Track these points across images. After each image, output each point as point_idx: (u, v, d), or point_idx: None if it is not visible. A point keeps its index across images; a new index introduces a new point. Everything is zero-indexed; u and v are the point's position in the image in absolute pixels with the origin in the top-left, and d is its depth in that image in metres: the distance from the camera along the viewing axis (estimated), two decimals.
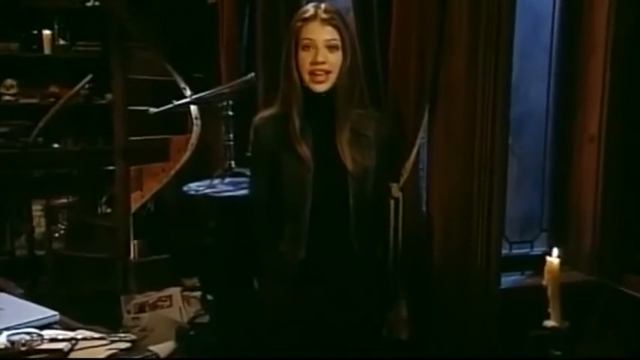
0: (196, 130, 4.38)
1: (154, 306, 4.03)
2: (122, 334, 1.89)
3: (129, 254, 4.43)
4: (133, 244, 4.47)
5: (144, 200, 4.55)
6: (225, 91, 3.28)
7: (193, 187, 3.26)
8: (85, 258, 4.49)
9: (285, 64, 2.10)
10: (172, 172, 4.44)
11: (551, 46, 2.79)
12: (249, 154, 3.04)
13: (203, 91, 3.67)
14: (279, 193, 2.15)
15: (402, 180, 2.40)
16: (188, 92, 4.23)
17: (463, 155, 2.36)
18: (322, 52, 2.05)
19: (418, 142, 2.40)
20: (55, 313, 1.99)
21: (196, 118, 4.35)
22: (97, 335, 1.84)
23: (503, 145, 2.39)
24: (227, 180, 3.30)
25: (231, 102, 3.25)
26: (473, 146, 2.35)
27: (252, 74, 3.19)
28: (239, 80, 3.30)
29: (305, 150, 2.09)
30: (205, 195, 3.18)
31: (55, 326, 1.91)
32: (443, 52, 2.36)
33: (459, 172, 2.38)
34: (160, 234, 4.63)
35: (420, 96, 2.37)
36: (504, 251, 2.59)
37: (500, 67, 2.33)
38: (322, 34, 2.05)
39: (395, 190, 2.40)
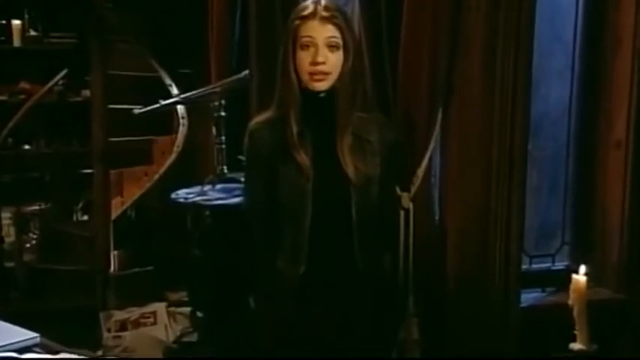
0: (183, 130, 4.37)
1: (137, 323, 4.03)
2: (109, 358, 1.90)
3: (108, 266, 4.42)
4: (113, 255, 4.45)
5: (124, 207, 4.54)
6: (217, 90, 3.28)
7: (182, 194, 3.28)
8: (59, 271, 4.45)
9: (283, 65, 2.12)
10: (156, 177, 4.43)
11: (574, 40, 2.82)
12: (240, 157, 3.10)
13: (190, 88, 3.67)
14: (276, 204, 2.16)
15: (413, 189, 2.43)
16: (175, 90, 4.23)
17: (479, 162, 2.39)
18: (322, 52, 2.06)
19: (430, 147, 2.42)
20: (36, 334, 1.99)
21: (183, 118, 4.34)
22: (81, 358, 1.85)
23: (523, 150, 2.42)
24: (219, 186, 3.31)
25: (223, 102, 3.25)
26: (490, 152, 2.38)
27: (247, 71, 3.19)
28: (232, 78, 3.31)
29: (304, 157, 2.10)
30: (195, 203, 3.20)
31: (36, 349, 1.92)
32: (457, 49, 2.39)
33: (475, 180, 2.41)
34: (143, 244, 4.63)
35: (432, 97, 2.39)
36: (524, 266, 2.62)
37: (520, 65, 2.36)
38: (322, 32, 2.07)
39: (405, 200, 2.43)
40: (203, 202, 3.19)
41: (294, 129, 2.10)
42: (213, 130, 3.40)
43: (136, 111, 3.49)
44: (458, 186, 2.45)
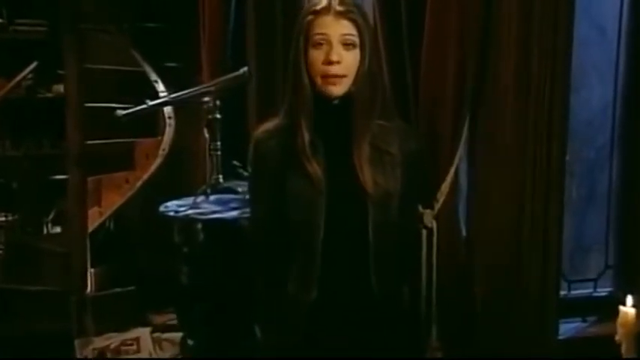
0: (169, 131, 4.38)
1: (118, 351, 4.06)
2: None
3: (85, 286, 4.44)
4: (90, 273, 4.47)
5: (103, 218, 4.55)
6: (212, 89, 3.30)
7: (173, 206, 3.29)
8: (28, 292, 4.47)
9: (294, 66, 2.14)
10: (139, 184, 4.44)
11: (619, 31, 2.83)
12: (235, 162, 3.13)
13: (178, 83, 3.67)
14: (284, 221, 2.19)
15: (437, 206, 2.45)
16: (161, 86, 4.25)
17: (511, 176, 2.42)
18: (337, 50, 2.09)
19: (456, 160, 2.45)
20: None
21: (169, 117, 4.36)
22: None
23: (561, 163, 2.45)
24: (213, 197, 3.33)
25: (218, 102, 3.27)
26: (524, 165, 2.40)
27: (246, 68, 3.22)
28: (228, 76, 3.32)
29: (316, 169, 2.13)
30: (187, 217, 3.21)
31: None
32: (488, 51, 2.42)
33: (507, 196, 2.44)
34: (124, 260, 4.64)
35: (459, 105, 2.42)
36: (562, 292, 2.66)
37: (558, 69, 2.38)
38: (337, 28, 2.10)
39: (428, 217, 2.45)
40: (196, 216, 3.20)
41: (306, 137, 2.12)
42: (205, 133, 3.41)
43: (120, 112, 3.47)
44: (487, 203, 2.48)
